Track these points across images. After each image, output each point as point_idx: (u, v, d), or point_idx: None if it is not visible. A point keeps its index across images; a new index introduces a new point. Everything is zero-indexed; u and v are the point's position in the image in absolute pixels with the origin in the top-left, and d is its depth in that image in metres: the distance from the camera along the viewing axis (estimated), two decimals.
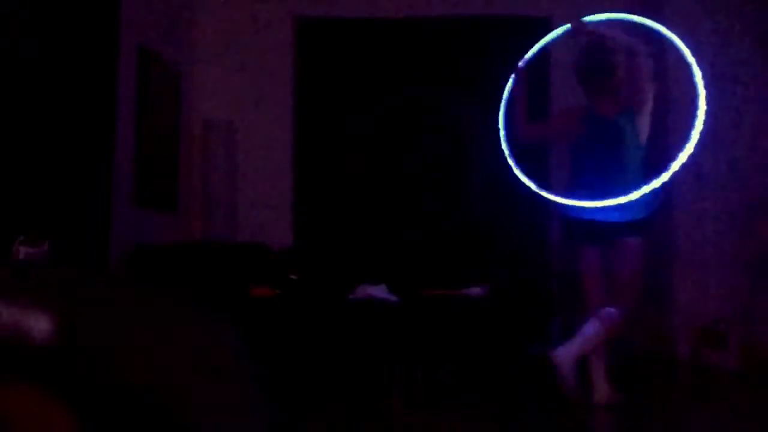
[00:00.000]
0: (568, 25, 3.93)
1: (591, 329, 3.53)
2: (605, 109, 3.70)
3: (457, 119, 5.77)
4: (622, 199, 3.52)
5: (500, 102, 4.30)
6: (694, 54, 5.10)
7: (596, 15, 4.02)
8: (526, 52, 5.82)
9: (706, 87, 5.06)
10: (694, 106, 4.00)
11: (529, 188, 3.94)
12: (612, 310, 3.58)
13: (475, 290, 4.67)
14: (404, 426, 3.52)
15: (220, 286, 4.41)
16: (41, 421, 0.46)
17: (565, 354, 3.49)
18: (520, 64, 4.00)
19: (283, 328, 4.34)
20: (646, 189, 3.54)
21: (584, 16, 5.86)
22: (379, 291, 4.76)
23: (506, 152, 4.08)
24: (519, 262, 5.46)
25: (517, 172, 3.98)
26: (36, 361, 0.47)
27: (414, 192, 5.88)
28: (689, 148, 3.77)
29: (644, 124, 3.73)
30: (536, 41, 5.87)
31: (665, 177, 3.59)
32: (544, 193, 3.88)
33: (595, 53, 3.73)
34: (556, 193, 3.90)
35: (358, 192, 5.96)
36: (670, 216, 5.09)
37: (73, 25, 3.96)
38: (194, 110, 5.78)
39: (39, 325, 0.47)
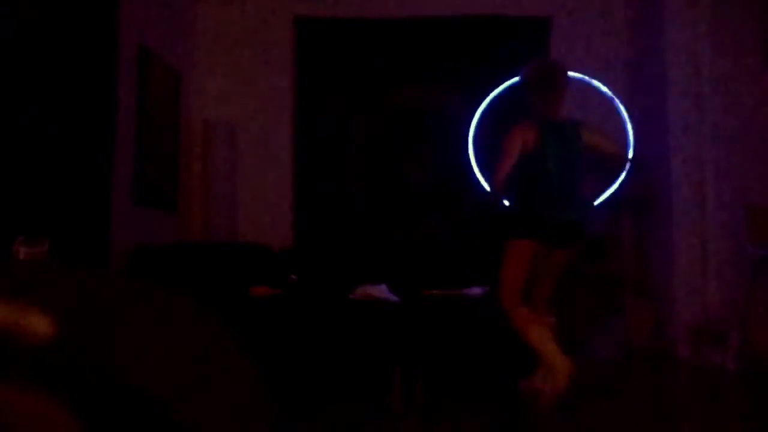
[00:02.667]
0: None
1: None
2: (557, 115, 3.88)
3: (457, 119, 5.77)
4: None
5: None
6: (695, 55, 5.12)
7: None
8: (527, 52, 5.86)
9: (709, 87, 5.08)
10: None
11: None
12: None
13: (475, 290, 4.67)
14: (404, 426, 3.52)
15: (220, 286, 4.40)
16: (41, 420, 0.46)
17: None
18: None
19: (283, 328, 4.34)
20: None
21: (583, 17, 5.89)
22: (379, 291, 4.76)
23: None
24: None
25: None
26: (35, 361, 0.47)
27: (414, 191, 5.88)
28: None
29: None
30: (536, 41, 5.90)
31: None
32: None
33: (550, 66, 3.98)
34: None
35: (358, 192, 5.96)
36: (671, 216, 5.09)
37: (74, 25, 3.96)
38: (194, 110, 5.79)
39: (38, 325, 0.47)
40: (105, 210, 4.30)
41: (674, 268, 5.05)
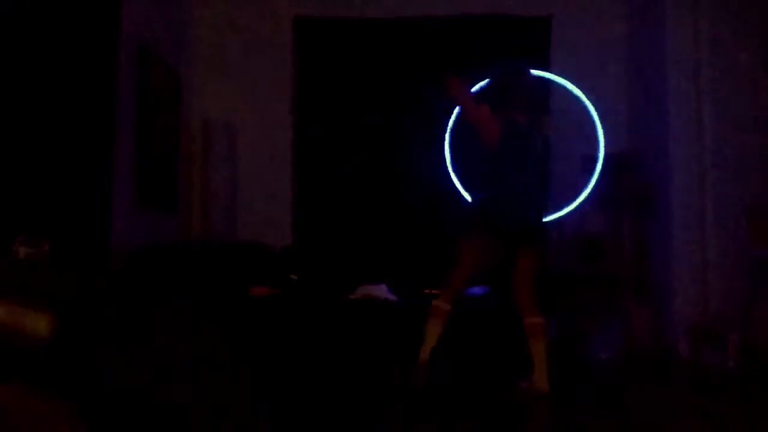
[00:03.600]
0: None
1: None
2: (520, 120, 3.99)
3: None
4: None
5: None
6: (695, 55, 5.12)
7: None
8: (527, 51, 5.86)
9: (709, 87, 5.08)
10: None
11: None
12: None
13: (475, 290, 4.67)
14: (403, 424, 3.52)
15: (220, 286, 4.41)
16: (40, 419, 0.46)
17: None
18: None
19: (283, 327, 4.34)
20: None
21: (583, 17, 5.90)
22: (379, 291, 4.76)
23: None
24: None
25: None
26: (35, 361, 0.47)
27: (415, 191, 5.88)
28: None
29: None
30: (536, 41, 5.90)
31: None
32: None
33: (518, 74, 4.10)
34: None
35: (358, 192, 5.96)
36: (670, 216, 5.09)
37: (74, 25, 3.96)
38: (194, 110, 5.78)
39: (38, 325, 0.48)
40: (105, 210, 4.29)
41: (674, 269, 5.05)
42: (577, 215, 5.55)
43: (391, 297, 4.77)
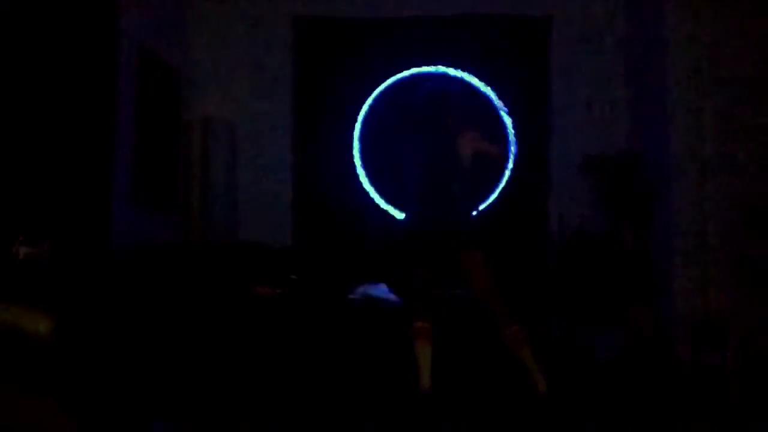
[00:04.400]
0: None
1: None
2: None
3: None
4: None
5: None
6: (695, 54, 5.12)
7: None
8: (527, 51, 5.87)
9: (709, 88, 5.09)
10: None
11: None
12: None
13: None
14: (404, 424, 3.52)
15: (220, 286, 4.41)
16: (40, 418, 0.46)
17: None
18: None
19: (284, 327, 4.33)
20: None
21: (583, 17, 5.90)
22: (379, 291, 4.77)
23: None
24: (518, 261, 5.47)
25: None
26: (35, 361, 0.47)
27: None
28: None
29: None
30: (536, 41, 5.90)
31: None
32: None
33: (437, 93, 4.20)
34: None
35: (358, 191, 5.96)
36: (670, 215, 5.09)
37: (74, 25, 3.96)
38: (194, 110, 5.78)
39: (38, 325, 0.48)
40: (105, 210, 4.30)
41: (674, 268, 5.05)
42: (576, 215, 5.56)
43: (391, 297, 4.77)
